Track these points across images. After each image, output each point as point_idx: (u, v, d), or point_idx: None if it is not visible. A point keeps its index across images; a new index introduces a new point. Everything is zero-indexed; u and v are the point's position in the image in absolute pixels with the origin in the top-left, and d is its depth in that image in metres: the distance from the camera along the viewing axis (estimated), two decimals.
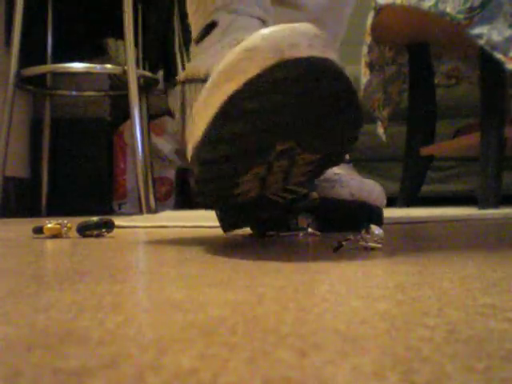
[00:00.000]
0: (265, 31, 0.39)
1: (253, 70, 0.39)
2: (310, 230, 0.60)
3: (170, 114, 2.38)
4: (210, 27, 0.55)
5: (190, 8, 0.60)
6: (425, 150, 1.79)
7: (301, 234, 0.60)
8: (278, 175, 0.49)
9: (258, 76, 0.38)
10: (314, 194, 0.55)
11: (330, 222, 0.67)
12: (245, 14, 0.55)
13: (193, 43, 0.58)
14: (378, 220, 0.69)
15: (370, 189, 0.68)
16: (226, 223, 0.58)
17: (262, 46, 0.38)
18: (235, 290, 0.26)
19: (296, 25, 0.40)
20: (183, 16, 2.03)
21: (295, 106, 0.42)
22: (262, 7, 0.56)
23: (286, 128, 0.43)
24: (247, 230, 0.66)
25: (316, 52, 0.39)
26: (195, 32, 0.57)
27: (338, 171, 0.70)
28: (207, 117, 0.42)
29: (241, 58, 0.39)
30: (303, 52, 0.38)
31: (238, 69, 0.39)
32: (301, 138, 0.45)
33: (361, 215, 0.67)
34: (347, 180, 0.68)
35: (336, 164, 0.51)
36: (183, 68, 2.03)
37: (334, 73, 0.40)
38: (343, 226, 0.67)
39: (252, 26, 0.54)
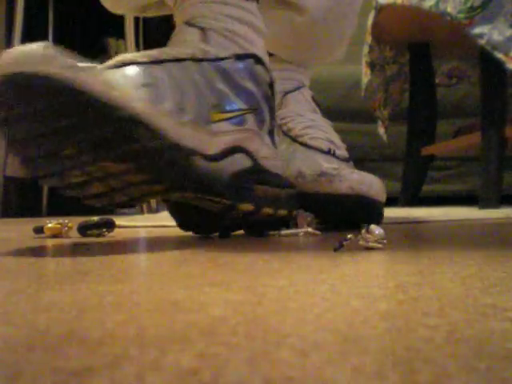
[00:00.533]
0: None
1: None
2: (310, 229, 0.60)
3: None
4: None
5: None
6: (425, 150, 1.79)
7: (300, 234, 0.60)
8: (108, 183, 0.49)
9: None
10: (245, 206, 0.56)
11: (330, 217, 0.66)
12: None
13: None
14: (378, 215, 0.69)
15: (369, 182, 0.67)
16: (181, 225, 0.60)
17: None
18: (235, 290, 0.26)
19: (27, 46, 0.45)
20: None
21: (37, 116, 0.43)
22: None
23: (56, 134, 0.44)
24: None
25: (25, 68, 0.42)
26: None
27: (337, 166, 0.70)
28: None
29: None
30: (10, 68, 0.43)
31: None
32: (77, 144, 0.45)
33: (361, 209, 0.67)
34: (346, 174, 0.67)
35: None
36: None
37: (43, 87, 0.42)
38: (343, 221, 0.67)
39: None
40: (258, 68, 0.59)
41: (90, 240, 0.60)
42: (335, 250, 0.42)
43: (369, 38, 1.79)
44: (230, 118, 0.55)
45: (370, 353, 0.15)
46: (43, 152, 0.45)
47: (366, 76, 1.84)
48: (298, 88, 0.79)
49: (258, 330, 0.18)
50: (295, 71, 0.81)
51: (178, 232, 0.70)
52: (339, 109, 2.14)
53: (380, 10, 1.63)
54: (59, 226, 0.65)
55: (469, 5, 1.34)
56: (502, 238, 0.56)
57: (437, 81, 1.90)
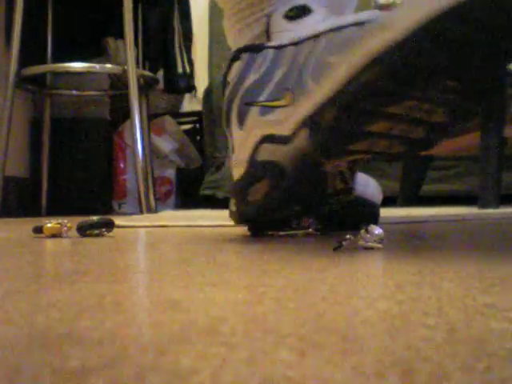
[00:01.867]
0: None
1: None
2: (310, 230, 0.60)
3: (171, 112, 2.38)
4: (303, 10, 0.57)
5: None
6: None
7: (299, 234, 0.60)
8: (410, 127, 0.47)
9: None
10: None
11: (326, 218, 0.66)
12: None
13: (277, 17, 0.58)
14: (374, 216, 0.68)
15: (365, 183, 0.67)
16: (245, 215, 0.58)
17: None
18: (235, 289, 0.26)
19: None
20: (183, 16, 2.03)
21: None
22: None
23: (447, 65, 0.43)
24: (245, 230, 0.66)
25: None
26: (285, 6, 0.58)
27: None
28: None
29: None
30: None
31: None
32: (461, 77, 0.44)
33: (356, 210, 0.67)
34: None
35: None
36: (183, 68, 2.03)
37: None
38: (339, 221, 0.67)
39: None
40: None
41: (89, 240, 0.60)
42: (334, 249, 0.42)
43: None
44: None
45: (370, 353, 0.15)
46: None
47: None
48: None
49: (257, 330, 0.18)
50: None
51: (178, 232, 0.70)
52: None
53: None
54: (58, 225, 0.65)
55: None
56: (502, 238, 0.56)
57: None
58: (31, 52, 1.88)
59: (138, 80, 1.70)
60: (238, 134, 0.57)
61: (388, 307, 0.22)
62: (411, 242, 0.50)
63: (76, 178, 2.11)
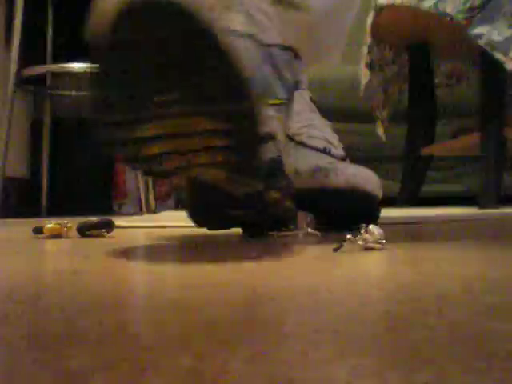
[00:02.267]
0: None
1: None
2: (309, 230, 0.60)
3: None
4: None
5: None
6: (425, 150, 1.79)
7: (300, 234, 0.60)
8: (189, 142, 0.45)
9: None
10: (272, 194, 0.55)
11: (327, 212, 0.66)
12: None
13: None
14: (375, 209, 0.68)
15: (366, 176, 0.67)
16: (196, 219, 0.58)
17: None
18: (235, 289, 0.26)
19: None
20: None
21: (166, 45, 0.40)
22: None
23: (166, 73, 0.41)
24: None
25: None
26: None
27: (333, 160, 0.69)
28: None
29: None
30: None
31: None
32: (182, 89, 0.42)
33: (357, 203, 0.66)
34: (342, 167, 0.67)
35: (249, 159, 0.48)
36: None
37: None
38: (340, 215, 0.66)
39: None
40: (295, 62, 0.61)
41: (89, 240, 0.60)
42: (334, 250, 0.42)
43: (368, 39, 1.79)
44: (274, 105, 0.55)
45: (370, 353, 0.15)
46: (140, 90, 0.42)
47: (365, 76, 1.83)
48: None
49: (257, 330, 0.18)
50: None
51: (178, 232, 0.70)
52: (339, 109, 2.14)
53: (379, 10, 1.63)
54: (59, 226, 0.65)
55: (468, 5, 1.34)
56: (502, 238, 0.56)
57: (436, 81, 1.90)
58: (31, 52, 1.88)
59: None
60: None
61: (388, 307, 0.22)
62: (411, 243, 0.50)
63: (76, 179, 2.11)
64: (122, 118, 0.43)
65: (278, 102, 0.56)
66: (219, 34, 0.40)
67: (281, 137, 0.58)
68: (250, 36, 0.54)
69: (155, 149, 0.45)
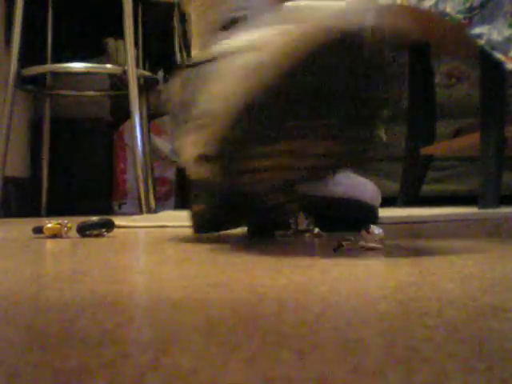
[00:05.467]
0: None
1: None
2: (316, 230, 0.60)
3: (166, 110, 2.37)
4: (232, 23, 0.56)
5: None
6: (425, 150, 1.79)
7: (307, 235, 0.60)
8: (292, 161, 0.46)
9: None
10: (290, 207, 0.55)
11: (325, 220, 0.66)
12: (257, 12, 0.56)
13: (209, 33, 0.58)
14: (373, 219, 0.69)
15: (363, 187, 0.67)
16: (201, 222, 0.58)
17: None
18: (235, 289, 0.26)
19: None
20: (183, 16, 2.03)
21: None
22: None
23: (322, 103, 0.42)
24: (245, 231, 0.66)
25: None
26: (218, 24, 0.58)
27: None
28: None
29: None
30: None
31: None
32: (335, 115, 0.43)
33: (355, 213, 0.67)
34: (341, 178, 0.67)
35: (353, 164, 0.49)
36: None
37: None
38: (337, 224, 0.67)
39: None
40: None
41: (89, 240, 0.60)
42: (335, 250, 0.42)
43: None
44: None
45: (370, 353, 0.15)
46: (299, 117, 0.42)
47: None
48: None
49: (257, 330, 0.18)
50: None
51: (178, 232, 0.70)
52: None
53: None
54: (58, 226, 0.65)
55: (468, 5, 1.34)
56: (502, 237, 0.56)
57: (436, 81, 1.90)
58: (31, 52, 1.88)
59: (138, 80, 1.70)
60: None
61: (388, 307, 0.22)
62: (411, 243, 0.50)
63: (76, 179, 2.11)
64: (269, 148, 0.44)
65: None
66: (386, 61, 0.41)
67: None
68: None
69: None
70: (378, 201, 0.70)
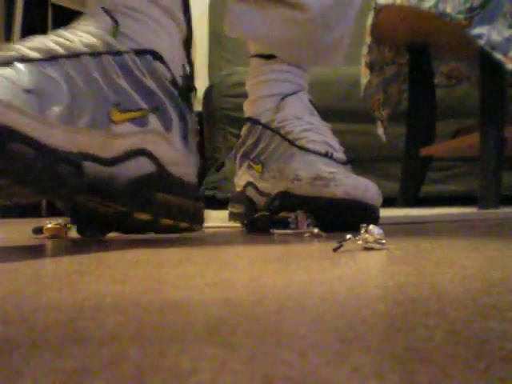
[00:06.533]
0: None
1: None
2: (316, 230, 0.60)
3: None
4: None
5: None
6: (424, 151, 1.79)
7: (306, 235, 0.60)
8: None
9: None
10: (140, 215, 0.57)
11: (326, 221, 0.66)
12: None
13: None
14: (374, 219, 0.69)
15: (364, 187, 0.67)
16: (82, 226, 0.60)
17: None
18: (235, 289, 0.26)
19: None
20: None
21: None
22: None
23: None
24: (244, 231, 0.66)
25: None
26: None
27: (334, 170, 0.69)
28: None
29: None
30: None
31: None
32: None
33: (356, 214, 0.67)
34: (342, 178, 0.67)
35: None
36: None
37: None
38: (338, 225, 0.67)
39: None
40: (157, 65, 0.58)
41: (89, 240, 0.60)
42: (334, 250, 0.42)
43: (368, 39, 1.79)
44: (133, 119, 0.54)
45: (370, 353, 0.15)
46: None
47: (365, 76, 1.83)
48: (296, 91, 0.79)
49: (257, 330, 0.18)
50: (295, 74, 0.81)
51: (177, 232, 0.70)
52: (339, 109, 2.14)
53: (379, 10, 1.63)
54: (58, 226, 0.65)
55: (468, 5, 1.34)
56: (502, 238, 0.56)
57: (436, 81, 1.90)
58: None
59: None
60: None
61: (388, 308, 0.22)
62: (411, 243, 0.50)
63: None
64: None
65: (137, 114, 0.54)
66: None
67: (157, 150, 0.56)
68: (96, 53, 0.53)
69: None
70: (380, 201, 0.70)
